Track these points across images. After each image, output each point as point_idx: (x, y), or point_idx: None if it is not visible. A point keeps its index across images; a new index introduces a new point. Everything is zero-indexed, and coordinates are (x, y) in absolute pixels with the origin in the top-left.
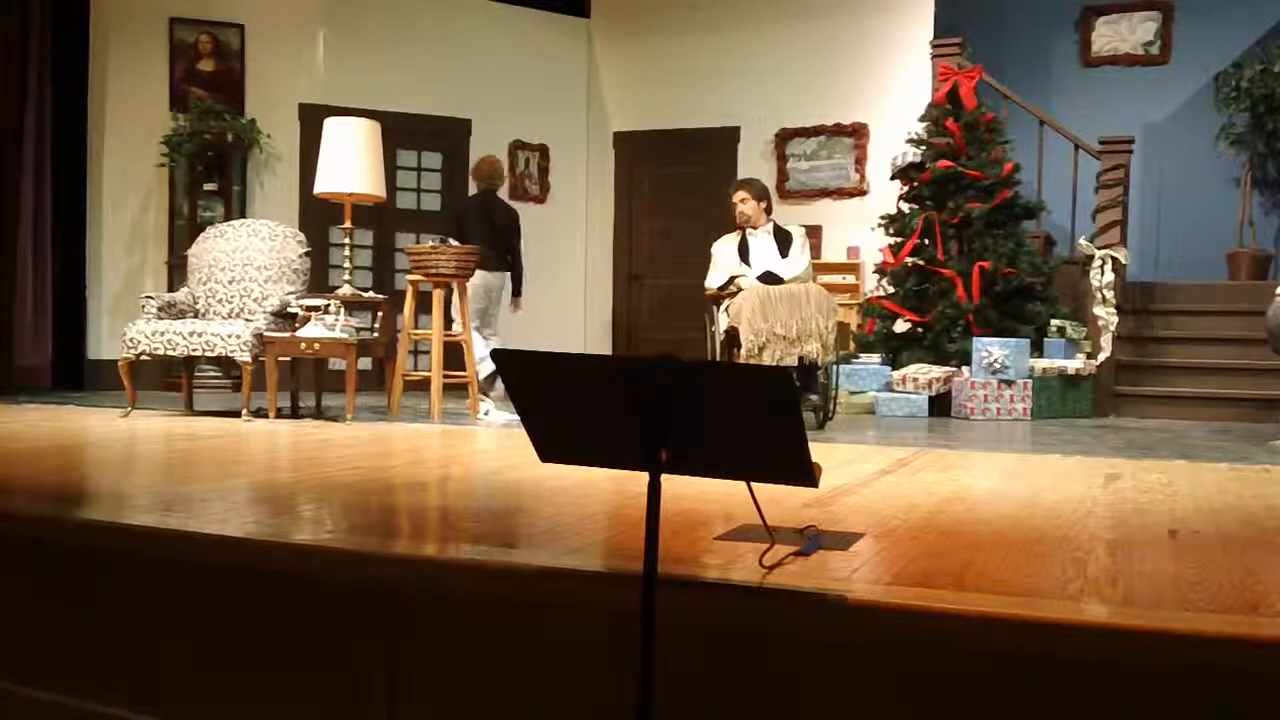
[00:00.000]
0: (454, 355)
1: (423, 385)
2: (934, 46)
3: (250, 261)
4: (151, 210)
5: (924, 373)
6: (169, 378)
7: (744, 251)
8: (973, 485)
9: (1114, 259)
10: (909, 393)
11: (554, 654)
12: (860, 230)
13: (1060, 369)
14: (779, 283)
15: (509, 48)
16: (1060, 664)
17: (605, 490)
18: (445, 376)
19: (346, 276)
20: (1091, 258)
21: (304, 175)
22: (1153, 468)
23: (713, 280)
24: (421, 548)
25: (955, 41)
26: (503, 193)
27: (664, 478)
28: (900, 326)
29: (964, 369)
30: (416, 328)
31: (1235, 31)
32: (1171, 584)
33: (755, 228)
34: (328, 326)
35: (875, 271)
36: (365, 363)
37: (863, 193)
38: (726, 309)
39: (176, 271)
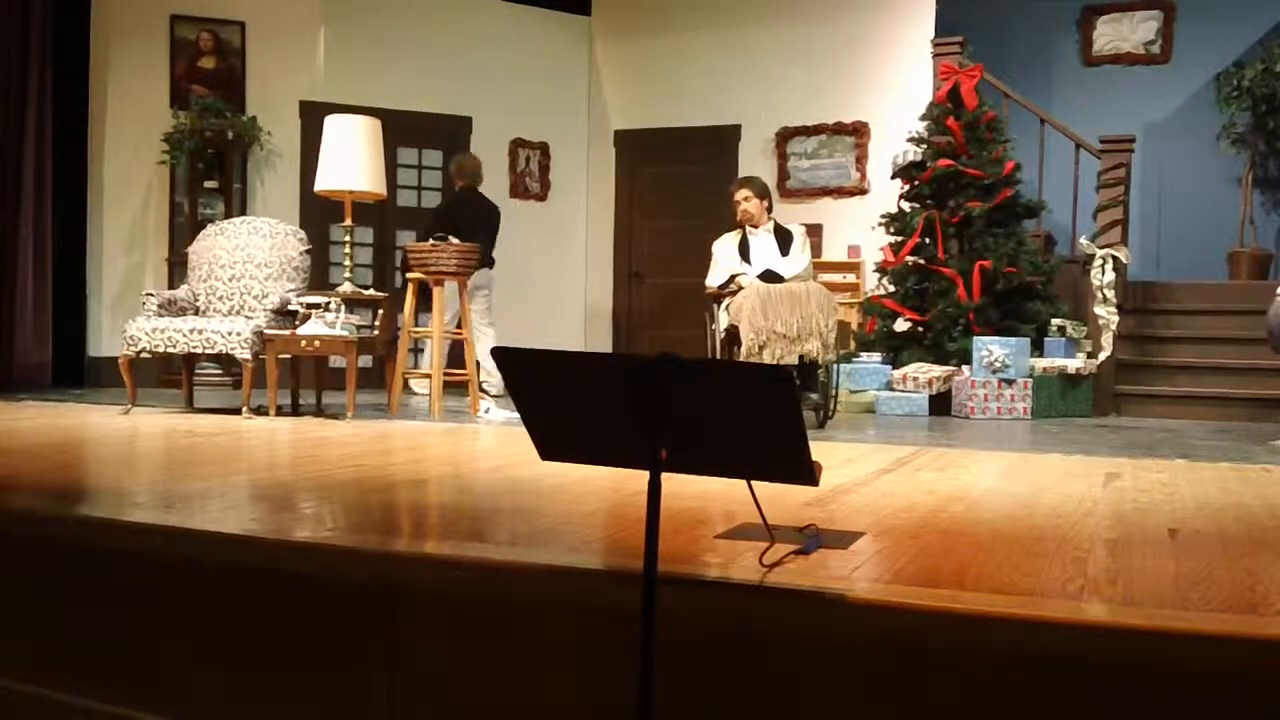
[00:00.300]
0: (454, 353)
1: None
2: (935, 45)
3: (251, 259)
4: (152, 207)
5: (924, 372)
6: (169, 375)
7: (744, 250)
8: (973, 484)
9: (1115, 258)
10: (909, 392)
11: (554, 654)
12: (861, 229)
13: (1061, 368)
14: (779, 281)
15: (510, 46)
16: (1060, 663)
17: (605, 488)
18: (445, 375)
19: (347, 274)
20: (1092, 257)
21: (304, 173)
22: (1153, 467)
23: (713, 279)
24: (422, 545)
25: (956, 40)
26: (502, 190)
27: (664, 476)
28: (901, 325)
29: (964, 368)
30: (416, 325)
31: (1236, 31)
32: (1172, 583)
33: (757, 226)
34: (328, 324)
35: (876, 270)
36: (365, 360)
37: (863, 191)
38: (727, 307)
39: (177, 269)
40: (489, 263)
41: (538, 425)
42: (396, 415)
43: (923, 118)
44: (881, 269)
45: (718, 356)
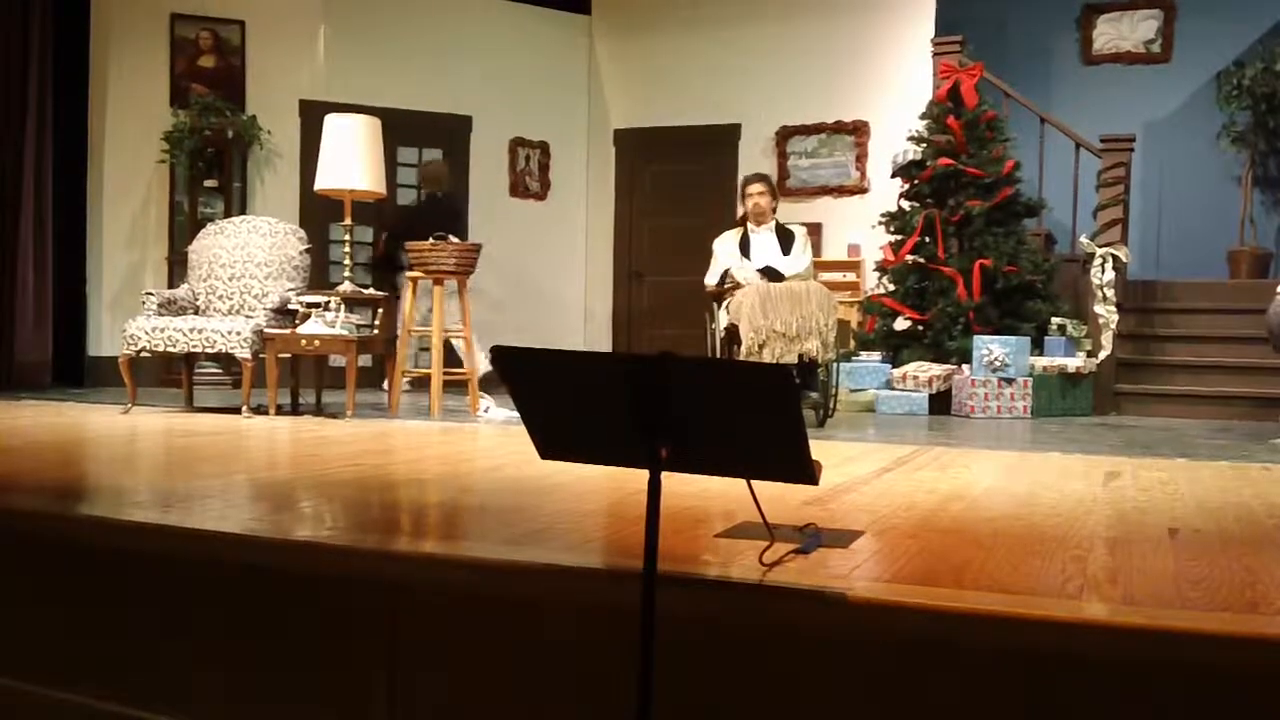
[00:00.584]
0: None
1: (423, 382)
2: (935, 44)
3: (250, 258)
4: (152, 206)
5: (924, 371)
6: (169, 374)
7: (745, 247)
8: (973, 483)
9: (1115, 257)
10: (909, 391)
11: (554, 653)
12: (861, 228)
13: (1060, 367)
14: (779, 278)
15: (510, 45)
16: (1060, 662)
17: (605, 487)
18: (445, 374)
19: (347, 273)
20: (1092, 256)
21: (304, 172)
22: (1153, 466)
23: (711, 277)
24: (422, 544)
25: (956, 39)
26: (502, 189)
27: (664, 475)
28: (901, 324)
29: (964, 367)
30: (416, 325)
31: (1237, 30)
32: (1171, 582)
33: (761, 223)
34: (328, 323)
35: (876, 269)
36: (365, 359)
37: (863, 190)
38: (727, 306)
39: (177, 268)
40: None
41: (537, 425)
42: (396, 414)
43: (923, 116)
44: (881, 268)
45: (718, 355)
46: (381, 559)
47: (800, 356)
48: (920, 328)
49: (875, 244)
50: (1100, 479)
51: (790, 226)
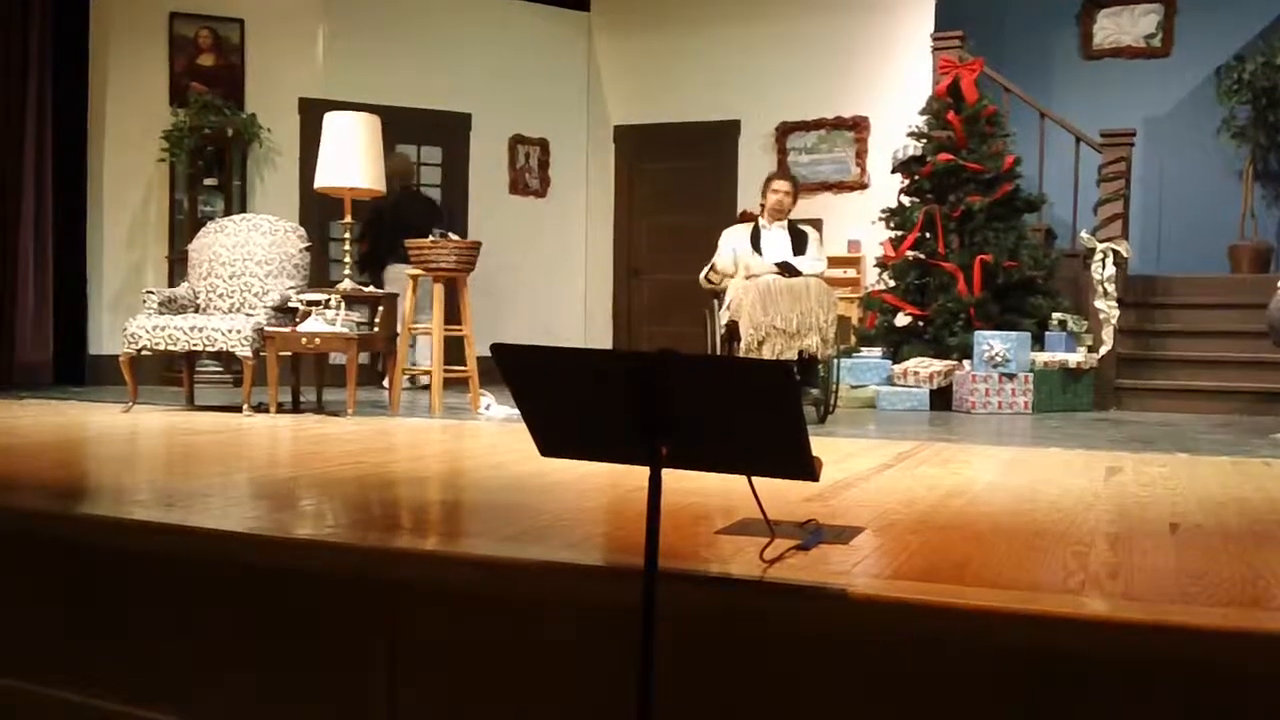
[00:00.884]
0: (455, 350)
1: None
2: (935, 39)
3: (251, 256)
4: (152, 205)
5: (925, 366)
6: (170, 373)
7: (755, 242)
8: (974, 479)
9: (1115, 252)
10: (910, 386)
11: (554, 651)
12: (861, 224)
13: (1061, 362)
14: (795, 273)
15: (509, 42)
16: (1061, 658)
17: (605, 484)
18: (445, 371)
19: (347, 271)
20: (1093, 251)
21: (304, 170)
22: (1154, 461)
23: (705, 270)
24: (423, 542)
25: (956, 34)
26: (502, 186)
27: (664, 472)
28: (901, 320)
29: (965, 363)
30: (416, 322)
31: (1237, 24)
32: (1173, 578)
33: (775, 220)
34: (328, 321)
35: (876, 265)
36: (364, 357)
37: (863, 186)
38: (728, 306)
39: (177, 266)
40: None
41: (538, 422)
42: (397, 412)
43: (923, 112)
44: (882, 264)
45: (718, 352)
46: (382, 557)
47: (800, 353)
48: (921, 324)
49: (875, 240)
50: (1101, 474)
51: (803, 227)
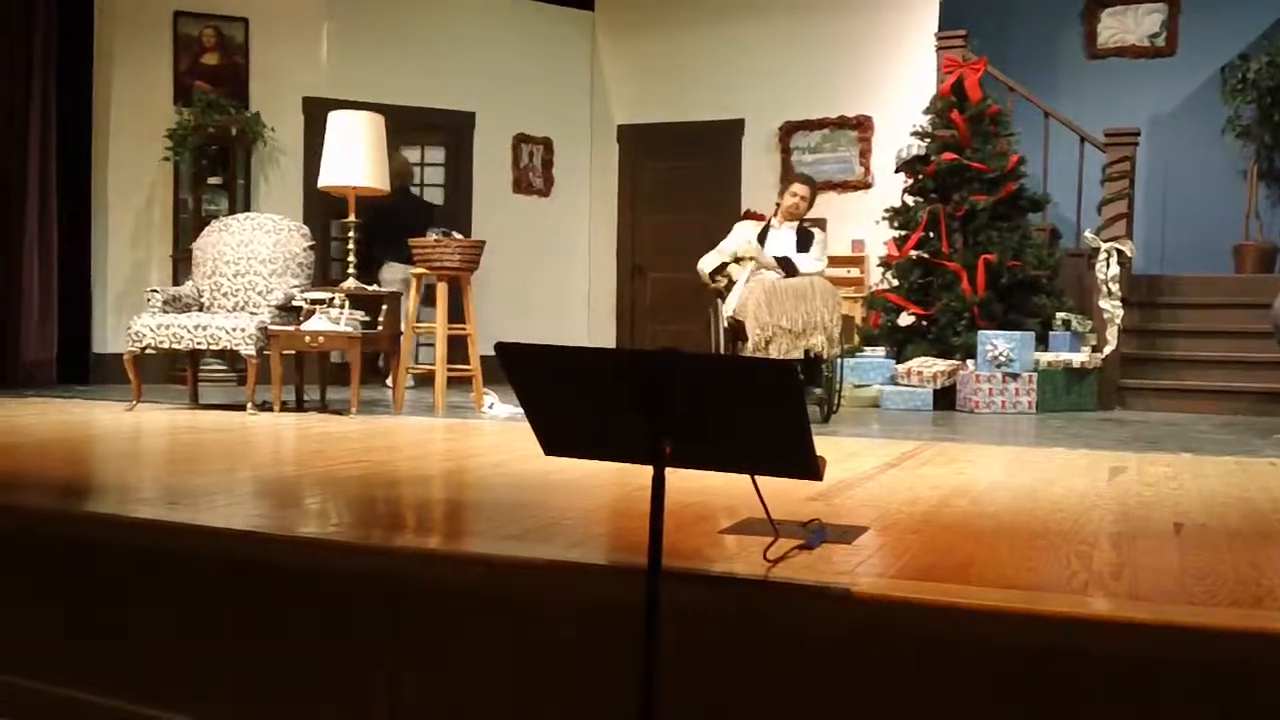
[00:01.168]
0: (459, 349)
1: (428, 378)
2: (939, 38)
3: (255, 255)
4: (156, 204)
5: (928, 366)
6: (174, 371)
7: (762, 240)
8: (977, 478)
9: (1119, 252)
10: (913, 386)
11: (557, 651)
12: (865, 223)
13: (1065, 362)
14: (794, 272)
15: (513, 41)
16: (1064, 657)
17: (609, 483)
18: (449, 370)
19: (351, 270)
20: (1097, 250)
21: (308, 169)
22: (1158, 461)
23: (709, 258)
24: (426, 541)
25: (960, 34)
26: (505, 185)
27: (668, 471)
28: (905, 320)
29: (969, 362)
30: (419, 321)
31: (1242, 23)
32: (1176, 577)
33: (786, 221)
34: (332, 320)
35: (880, 265)
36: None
37: (867, 186)
38: (734, 306)
39: (181, 265)
40: None
41: (541, 421)
42: (401, 411)
43: (926, 111)
44: (885, 263)
45: (721, 351)
46: (385, 556)
47: (805, 352)
48: (924, 323)
49: (879, 239)
50: (1105, 474)
51: (811, 228)
